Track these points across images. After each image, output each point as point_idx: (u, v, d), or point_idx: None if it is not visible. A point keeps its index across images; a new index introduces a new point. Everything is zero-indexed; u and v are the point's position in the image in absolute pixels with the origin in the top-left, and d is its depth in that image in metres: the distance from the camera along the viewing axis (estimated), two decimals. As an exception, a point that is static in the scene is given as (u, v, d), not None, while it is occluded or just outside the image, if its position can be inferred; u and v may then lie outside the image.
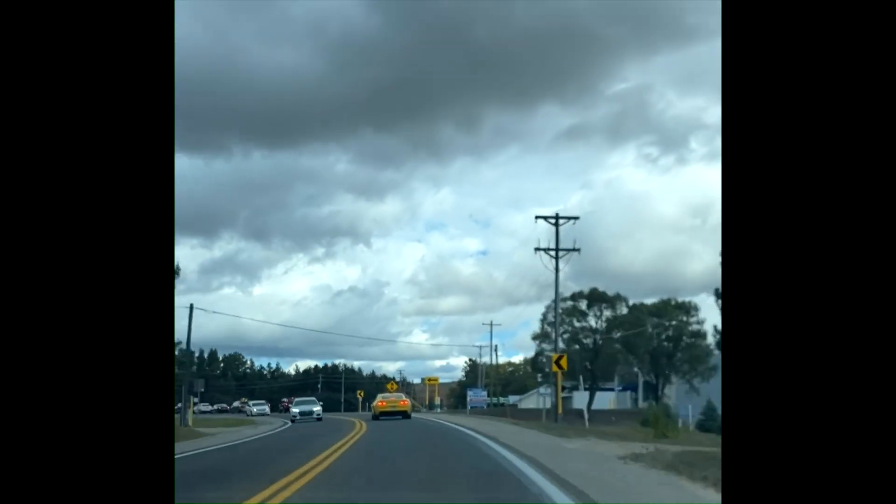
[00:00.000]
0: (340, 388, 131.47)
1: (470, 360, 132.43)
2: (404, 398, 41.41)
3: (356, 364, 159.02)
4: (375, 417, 38.78)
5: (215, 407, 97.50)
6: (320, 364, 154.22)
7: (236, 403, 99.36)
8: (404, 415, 39.05)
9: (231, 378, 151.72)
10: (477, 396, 71.26)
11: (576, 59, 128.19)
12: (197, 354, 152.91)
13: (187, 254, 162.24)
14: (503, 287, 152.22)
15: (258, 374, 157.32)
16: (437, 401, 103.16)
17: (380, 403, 40.71)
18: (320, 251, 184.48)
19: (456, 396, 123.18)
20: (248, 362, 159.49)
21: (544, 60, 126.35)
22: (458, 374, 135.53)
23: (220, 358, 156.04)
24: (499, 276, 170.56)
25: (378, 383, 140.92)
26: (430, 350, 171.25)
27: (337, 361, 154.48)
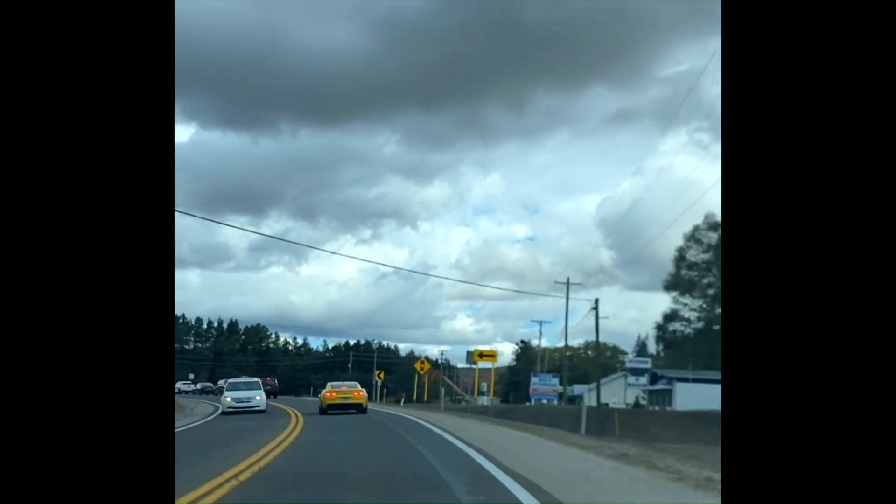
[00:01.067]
0: (372, 368, 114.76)
1: (521, 342, 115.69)
2: (359, 388, 34.52)
3: (393, 343, 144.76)
4: (323, 412, 32.26)
5: (198, 386, 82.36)
6: (352, 341, 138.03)
7: (221, 383, 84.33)
8: (359, 408, 32.80)
9: (251, 353, 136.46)
10: (544, 384, 51.65)
11: (627, 39, 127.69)
12: (215, 324, 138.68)
13: (236, 232, 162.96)
14: (549, 274, 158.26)
15: (282, 349, 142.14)
16: (484, 387, 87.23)
17: (328, 394, 33.44)
18: (367, 233, 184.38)
19: (506, 383, 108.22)
20: (273, 335, 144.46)
21: (594, 41, 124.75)
22: (503, 360, 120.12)
23: (241, 330, 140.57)
24: (545, 262, 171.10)
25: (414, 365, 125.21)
26: (475, 335, 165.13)
27: (371, 339, 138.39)
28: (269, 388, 62.29)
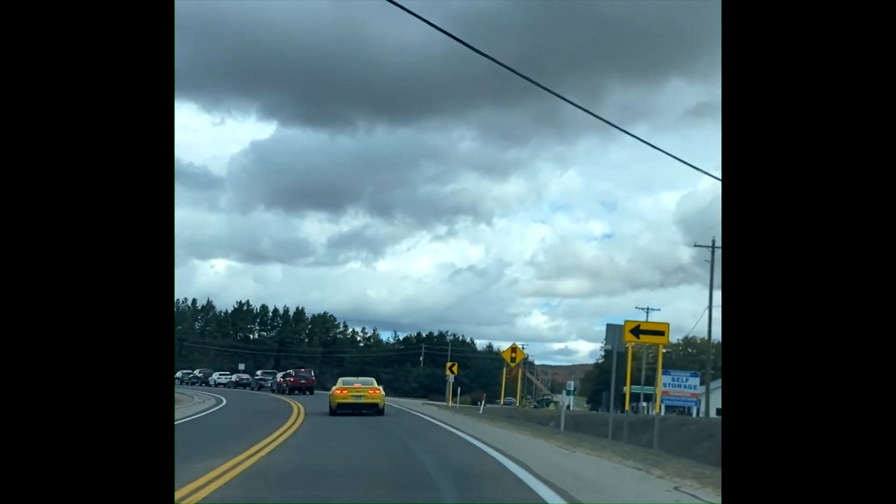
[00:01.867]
0: (446, 362, 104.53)
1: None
2: (375, 386, 30.61)
3: (468, 336, 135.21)
4: (333, 412, 28.72)
5: (234, 378, 73.19)
6: (423, 332, 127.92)
7: (259, 374, 74.27)
8: (375, 409, 29.04)
9: (317, 343, 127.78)
10: (681, 386, 36.85)
11: (705, 30, 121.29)
12: (281, 312, 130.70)
13: (315, 227, 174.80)
14: (626, 271, 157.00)
15: (349, 340, 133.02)
16: (572, 386, 76.11)
17: (338, 391, 29.75)
18: (442, 229, 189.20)
19: (593, 382, 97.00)
20: (341, 325, 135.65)
21: (671, 33, 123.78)
22: (578, 358, 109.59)
23: (308, 319, 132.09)
24: (621, 259, 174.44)
25: (493, 360, 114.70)
26: (549, 332, 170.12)
27: (445, 330, 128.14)
28: (303, 381, 54.51)
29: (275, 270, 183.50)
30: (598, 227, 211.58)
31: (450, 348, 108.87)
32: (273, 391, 56.17)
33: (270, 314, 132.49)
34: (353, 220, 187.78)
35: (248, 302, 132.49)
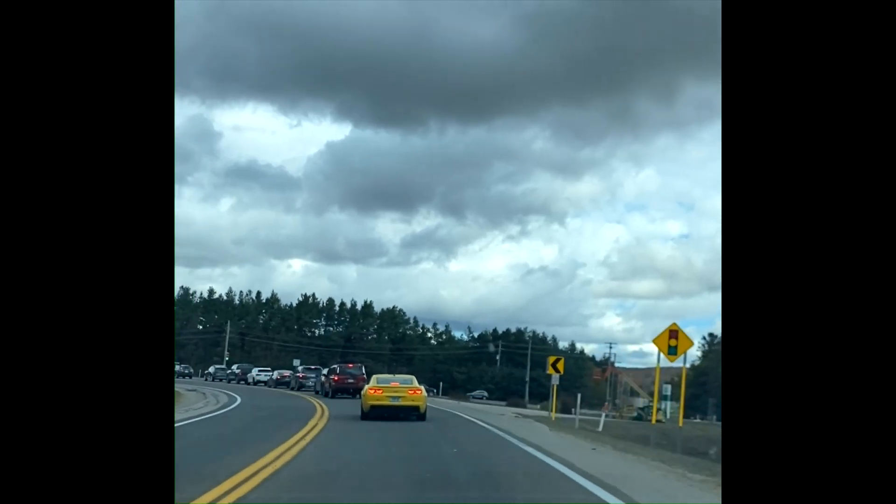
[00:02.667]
0: (525, 361, 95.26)
1: (710, 335, 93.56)
2: (415, 385, 25.75)
3: (549, 333, 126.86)
4: (364, 415, 24.46)
5: (275, 375, 62.95)
6: (499, 329, 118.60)
7: (296, 363, 65.28)
8: (416, 413, 24.46)
9: (386, 339, 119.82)
10: None
11: None
12: (349, 305, 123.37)
13: (388, 227, 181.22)
14: (702, 272, 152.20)
15: (420, 336, 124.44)
16: (668, 391, 66.38)
17: (371, 391, 24.98)
18: (514, 229, 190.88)
19: (689, 385, 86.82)
20: (411, 321, 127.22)
21: None
22: (652, 361, 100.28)
23: (377, 313, 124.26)
24: (698, 260, 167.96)
25: (577, 360, 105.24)
26: (623, 334, 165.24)
27: (523, 327, 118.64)
28: (350, 381, 40.61)
29: (349, 270, 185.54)
30: (674, 227, 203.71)
31: (530, 346, 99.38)
32: (316, 392, 45.63)
33: (337, 308, 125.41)
34: (426, 221, 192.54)
35: (313, 295, 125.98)
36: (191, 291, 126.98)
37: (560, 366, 32.53)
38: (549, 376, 32.94)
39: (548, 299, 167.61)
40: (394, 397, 24.72)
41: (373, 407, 24.52)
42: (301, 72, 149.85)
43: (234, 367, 76.04)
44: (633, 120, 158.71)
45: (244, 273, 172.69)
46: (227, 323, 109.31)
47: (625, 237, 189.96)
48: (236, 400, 34.68)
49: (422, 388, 26.07)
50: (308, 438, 16.55)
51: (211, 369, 78.52)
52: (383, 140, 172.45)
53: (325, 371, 48.16)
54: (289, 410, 28.44)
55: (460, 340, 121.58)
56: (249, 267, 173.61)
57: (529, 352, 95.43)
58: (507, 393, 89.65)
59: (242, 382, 66.25)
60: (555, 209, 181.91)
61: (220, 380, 70.55)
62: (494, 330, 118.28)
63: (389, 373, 36.58)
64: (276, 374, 62.17)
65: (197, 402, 32.46)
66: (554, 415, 32.67)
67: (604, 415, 38.52)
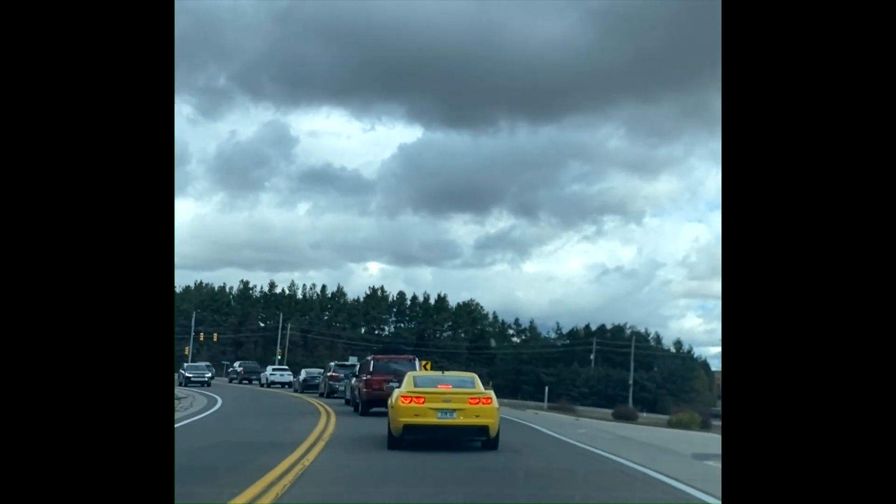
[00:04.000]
0: (628, 361, 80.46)
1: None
2: (479, 388, 15.27)
3: (653, 329, 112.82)
4: (393, 441, 14.71)
5: (302, 376, 49.61)
6: (593, 325, 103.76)
7: (351, 359, 53.98)
8: (483, 436, 14.73)
9: (462, 337, 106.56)
10: None
11: None
12: (420, 300, 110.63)
13: (461, 229, 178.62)
14: None
15: (499, 333, 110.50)
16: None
17: (405, 399, 14.64)
18: (590, 229, 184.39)
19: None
20: (490, 316, 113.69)
21: None
22: None
23: (452, 308, 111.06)
24: None
25: (684, 360, 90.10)
26: (704, 336, 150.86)
27: (623, 322, 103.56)
28: (395, 385, 20.71)
29: (424, 273, 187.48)
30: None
31: (633, 344, 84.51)
32: (347, 401, 30.86)
33: (409, 303, 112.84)
34: (499, 222, 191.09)
35: (381, 288, 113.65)
36: (250, 285, 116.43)
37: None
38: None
39: (626, 300, 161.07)
40: (444, 411, 14.55)
41: (407, 427, 14.52)
42: (372, 75, 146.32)
43: (237, 364, 68.26)
44: (710, 117, 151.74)
45: (322, 276, 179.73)
46: (281, 318, 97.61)
47: (705, 236, 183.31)
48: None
49: (491, 394, 15.18)
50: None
51: (238, 365, 67.71)
52: (454, 141, 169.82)
53: (356, 367, 32.98)
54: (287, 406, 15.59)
55: (547, 338, 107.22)
56: (327, 270, 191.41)
57: (633, 351, 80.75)
58: (604, 398, 75.24)
59: (245, 382, 58.40)
60: (631, 209, 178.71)
61: (233, 380, 62.28)
62: (587, 326, 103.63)
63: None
64: (303, 375, 48.09)
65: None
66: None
67: None
